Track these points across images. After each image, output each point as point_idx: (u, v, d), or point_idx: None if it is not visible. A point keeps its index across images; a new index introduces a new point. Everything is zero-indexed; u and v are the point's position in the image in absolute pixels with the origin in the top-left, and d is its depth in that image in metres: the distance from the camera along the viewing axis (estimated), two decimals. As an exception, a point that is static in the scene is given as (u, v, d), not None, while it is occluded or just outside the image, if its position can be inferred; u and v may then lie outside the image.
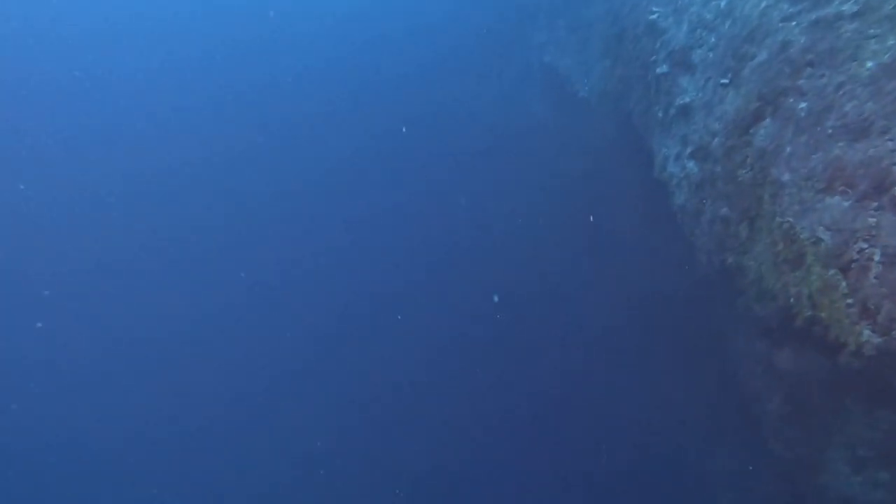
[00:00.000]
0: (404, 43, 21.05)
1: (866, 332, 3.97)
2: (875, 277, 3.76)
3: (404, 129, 17.73)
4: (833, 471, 6.36)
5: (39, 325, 14.22)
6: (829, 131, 4.07)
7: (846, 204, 3.98)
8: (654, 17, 6.61)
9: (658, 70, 6.56)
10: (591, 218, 11.13)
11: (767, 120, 4.74)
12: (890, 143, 3.64)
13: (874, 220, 3.77)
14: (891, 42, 3.77)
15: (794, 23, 4.49)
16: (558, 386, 11.87)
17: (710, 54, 5.71)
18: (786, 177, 4.45)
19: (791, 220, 4.43)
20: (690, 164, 6.30)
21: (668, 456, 10.64)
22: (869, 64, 3.87)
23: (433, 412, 12.65)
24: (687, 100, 6.05)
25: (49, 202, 16.83)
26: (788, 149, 4.40)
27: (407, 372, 13.17)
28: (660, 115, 7.05)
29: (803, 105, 4.31)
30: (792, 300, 4.67)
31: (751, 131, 4.92)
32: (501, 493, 12.04)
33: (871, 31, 3.89)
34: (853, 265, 3.93)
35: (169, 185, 18.05)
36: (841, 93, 4.02)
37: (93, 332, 14.63)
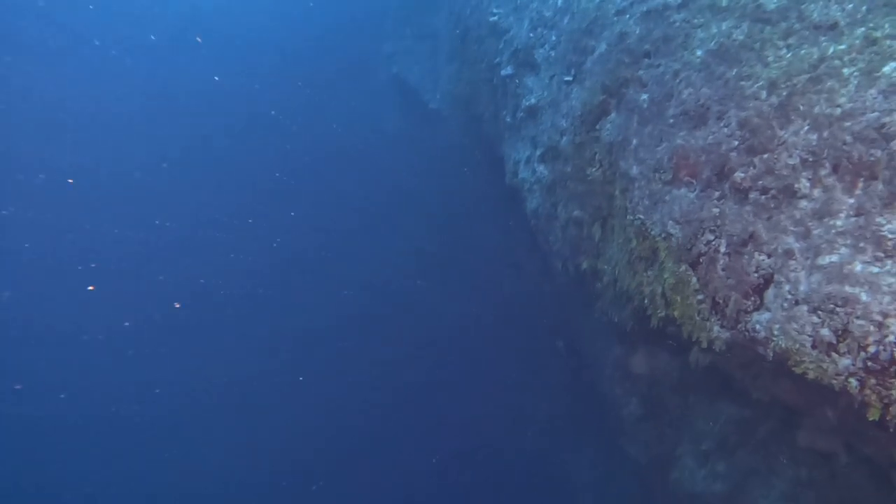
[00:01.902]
0: (249, 53, 19.37)
1: (716, 328, 3.85)
2: (722, 269, 3.65)
3: (247, 141, 16.83)
4: (681, 467, 6.52)
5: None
6: (671, 120, 3.97)
7: (692, 195, 3.86)
8: (495, 17, 6.42)
9: (503, 72, 6.33)
10: (444, 232, 10.89)
11: (613, 113, 4.60)
12: (726, 129, 3.58)
13: (717, 209, 3.67)
14: (714, 30, 3.79)
15: (627, 15, 4.44)
16: (416, 396, 11.89)
17: (553, 52, 5.59)
18: (634, 170, 4.28)
19: (642, 216, 4.25)
20: (541, 168, 6.09)
21: (530, 461, 10.71)
22: (699, 52, 3.86)
23: (281, 420, 12.61)
24: (533, 100, 5.86)
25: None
26: (635, 141, 4.25)
27: (255, 376, 13.19)
28: (508, 119, 6.84)
29: (645, 96, 4.20)
30: (646, 301, 4.51)
31: (598, 126, 4.75)
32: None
33: (696, 20, 3.91)
34: (702, 258, 3.80)
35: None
36: (678, 80, 3.95)
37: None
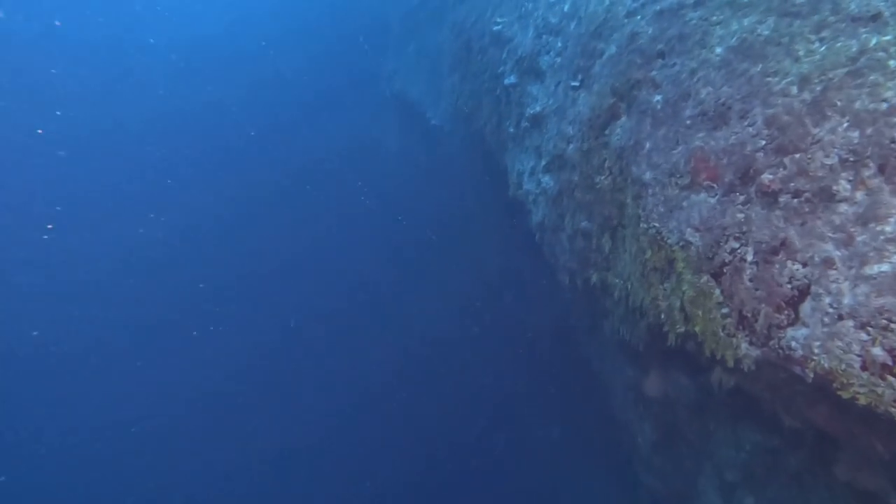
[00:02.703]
0: (250, 75, 19.60)
1: (744, 345, 3.51)
2: (750, 280, 3.33)
3: (251, 157, 17.07)
4: (705, 501, 6.09)
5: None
6: (688, 121, 3.70)
7: (713, 200, 3.57)
8: (499, 27, 6.27)
9: (506, 81, 6.14)
10: (445, 249, 10.64)
11: (623, 117, 4.35)
12: (751, 129, 3.31)
13: (743, 215, 3.38)
14: (735, 27, 3.56)
15: (639, 16, 4.23)
16: (415, 418, 11.65)
17: (559, 59, 5.39)
18: (647, 175, 4.00)
19: (657, 224, 3.95)
20: (546, 178, 5.82)
21: (536, 489, 10.21)
22: (718, 49, 3.62)
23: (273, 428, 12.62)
24: (538, 108, 5.64)
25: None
26: (648, 144, 3.98)
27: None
28: (511, 129, 6.61)
29: (658, 97, 3.96)
30: (663, 316, 4.17)
31: (607, 131, 4.50)
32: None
33: (714, 17, 3.68)
34: (726, 268, 3.48)
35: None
36: (695, 79, 3.70)
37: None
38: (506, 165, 7.03)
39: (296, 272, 14.14)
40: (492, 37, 6.61)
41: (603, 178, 4.61)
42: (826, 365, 2.96)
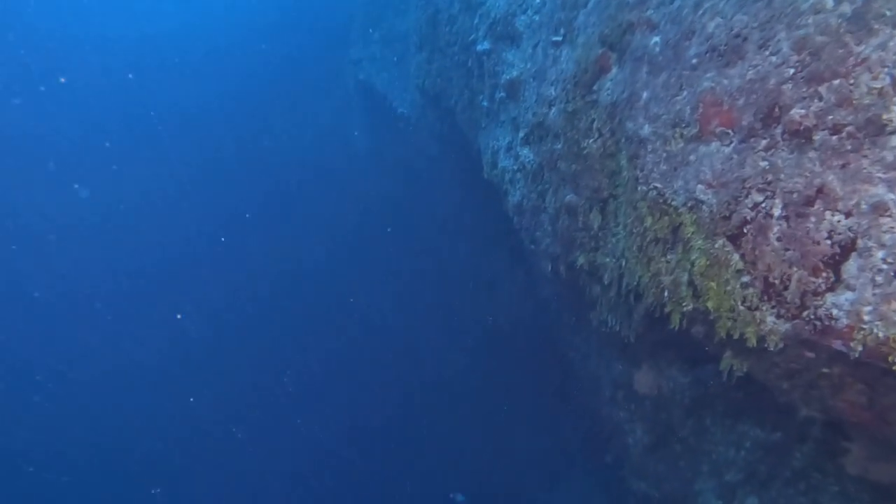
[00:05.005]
0: (213, 73, 18.61)
1: (770, 319, 2.99)
2: (778, 239, 2.81)
3: (218, 171, 16.24)
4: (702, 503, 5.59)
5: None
6: (694, 61, 3.20)
7: (728, 149, 3.05)
8: (470, -10, 5.76)
9: (479, 47, 5.59)
10: (420, 246, 10.00)
11: (614, 69, 3.82)
12: (774, 58, 2.82)
13: (766, 163, 2.87)
14: (745, -51, 3.10)
15: (629, -48, 3.76)
16: (397, 427, 11.09)
17: (537, 16, 4.88)
18: (645, 129, 3.48)
19: (659, 184, 3.42)
20: (525, 151, 5.26)
21: (514, 500, 9.58)
22: (727, -26, 3.15)
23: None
24: (515, 73, 5.10)
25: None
26: (645, 94, 3.46)
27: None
28: (485, 103, 6.05)
29: (656, 39, 3.45)
30: (666, 293, 3.63)
31: (595, 87, 3.97)
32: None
33: (720, -59, 3.21)
34: (747, 228, 2.95)
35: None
36: (700, 12, 3.21)
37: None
38: (479, 147, 6.46)
39: (261, 280, 13.28)
40: (462, 2, 6.08)
41: (591, 141, 4.07)
42: (880, 334, 2.45)
